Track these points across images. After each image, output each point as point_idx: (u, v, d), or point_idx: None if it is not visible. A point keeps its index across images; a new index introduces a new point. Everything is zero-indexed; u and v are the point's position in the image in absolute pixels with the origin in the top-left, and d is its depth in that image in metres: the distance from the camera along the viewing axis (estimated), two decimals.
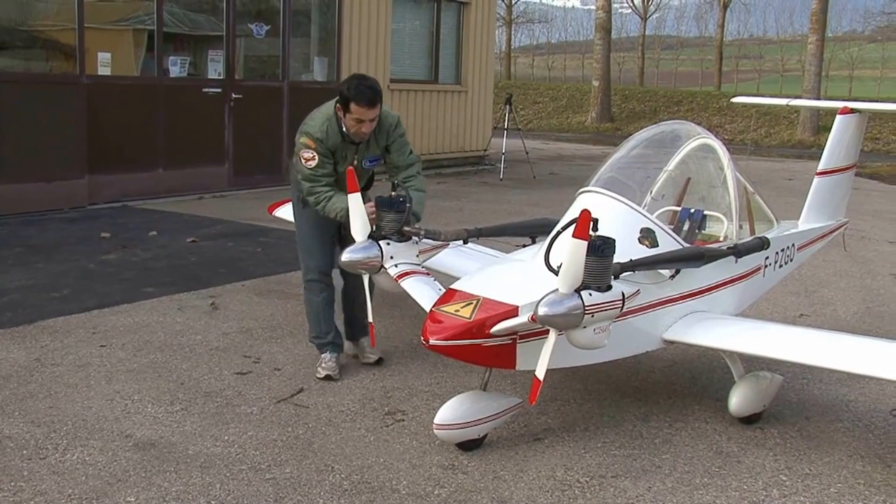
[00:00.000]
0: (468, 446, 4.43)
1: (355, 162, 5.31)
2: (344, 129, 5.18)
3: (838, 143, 6.51)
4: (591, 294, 3.96)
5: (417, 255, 5.03)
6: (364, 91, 5.06)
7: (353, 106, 5.06)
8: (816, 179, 6.50)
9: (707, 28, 63.66)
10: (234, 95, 12.32)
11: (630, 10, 56.94)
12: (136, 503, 3.80)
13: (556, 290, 3.92)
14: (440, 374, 5.47)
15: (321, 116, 5.27)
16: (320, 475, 4.12)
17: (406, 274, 4.91)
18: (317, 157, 5.20)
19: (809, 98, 23.12)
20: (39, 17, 11.11)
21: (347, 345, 5.76)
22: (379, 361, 5.64)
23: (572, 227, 3.86)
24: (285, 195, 7.65)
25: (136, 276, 7.61)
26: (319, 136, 5.20)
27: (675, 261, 4.71)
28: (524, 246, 5.07)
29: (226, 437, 4.48)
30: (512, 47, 54.53)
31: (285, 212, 7.22)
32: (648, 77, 50.76)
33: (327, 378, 5.34)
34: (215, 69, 12.40)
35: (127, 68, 11.66)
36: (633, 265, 4.40)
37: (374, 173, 5.69)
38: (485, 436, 4.48)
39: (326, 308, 5.55)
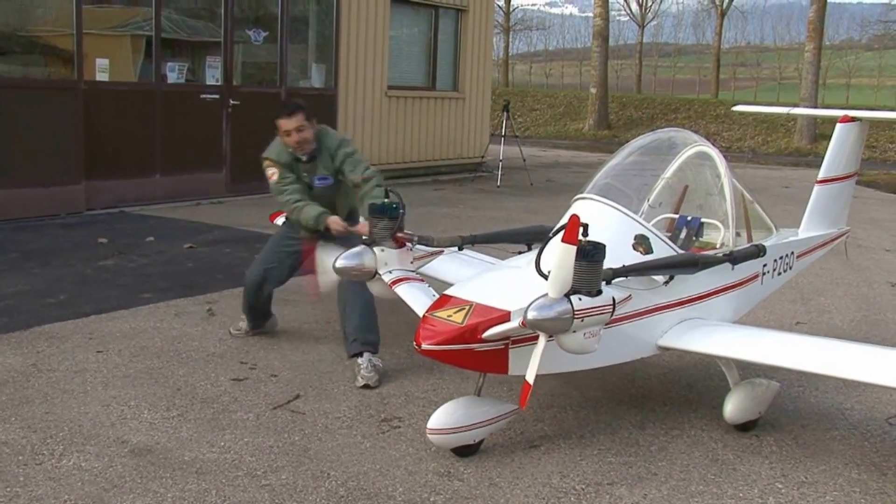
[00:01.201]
0: (464, 452, 4.43)
1: (304, 177, 5.92)
2: (290, 149, 5.85)
3: (839, 152, 6.49)
4: (580, 299, 3.97)
5: (412, 262, 5.05)
6: (282, 105, 5.92)
7: (278, 122, 5.78)
8: (816, 188, 6.49)
9: (704, 36, 63.84)
10: (231, 101, 12.34)
11: (628, 18, 57.16)
12: None
13: (546, 294, 3.94)
14: (436, 381, 5.47)
15: (275, 142, 5.98)
16: (316, 482, 4.12)
17: (400, 280, 4.93)
18: (277, 170, 5.90)
19: (807, 106, 23.19)
20: (38, 22, 11.11)
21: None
22: (365, 387, 5.35)
23: (562, 233, 3.88)
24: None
25: (133, 281, 7.61)
26: (273, 157, 5.92)
27: (669, 267, 4.73)
28: (520, 253, 5.09)
29: (222, 444, 4.48)
30: (510, 54, 54.65)
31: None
32: (646, 84, 50.92)
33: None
34: (213, 75, 12.41)
35: (125, 74, 11.67)
36: (626, 271, 4.41)
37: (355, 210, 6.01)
38: (481, 441, 4.48)
39: (246, 294, 6.18)
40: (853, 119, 6.46)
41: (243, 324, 6.30)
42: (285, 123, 5.73)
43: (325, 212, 5.78)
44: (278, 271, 6.08)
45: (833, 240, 6.61)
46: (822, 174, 6.49)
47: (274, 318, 6.39)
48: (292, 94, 13.17)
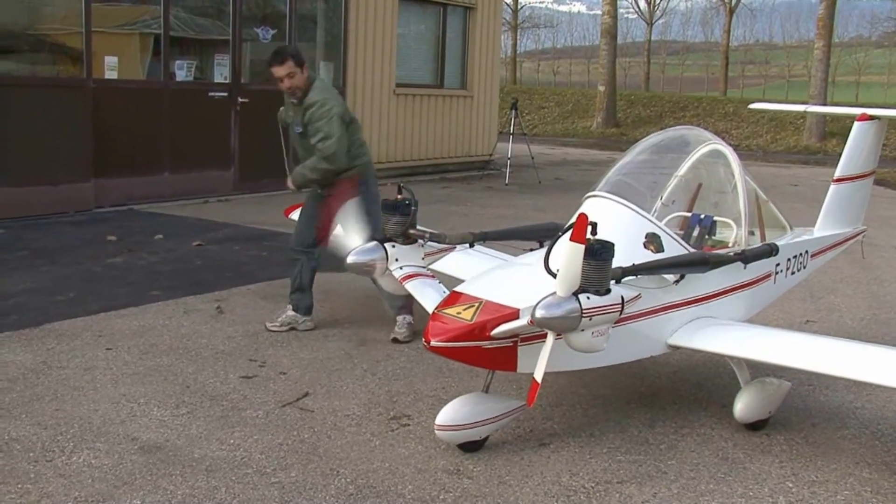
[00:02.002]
0: (470, 447, 4.43)
1: (290, 121, 6.29)
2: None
3: (855, 150, 6.42)
4: (588, 297, 3.96)
5: (423, 258, 5.07)
6: (274, 52, 6.18)
7: (270, 69, 6.11)
8: (833, 186, 6.42)
9: (713, 33, 63.75)
10: (240, 99, 12.34)
11: (636, 16, 57.10)
12: None
13: (554, 293, 3.93)
14: (445, 379, 5.47)
15: None
16: (326, 479, 4.12)
17: (410, 276, 4.94)
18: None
19: (816, 104, 23.09)
20: (46, 20, 11.13)
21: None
22: (394, 340, 6.14)
23: (571, 231, 3.87)
24: (291, 199, 7.69)
25: (142, 279, 7.62)
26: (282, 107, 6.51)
27: (679, 266, 4.71)
28: (531, 249, 5.08)
29: (231, 441, 4.48)
30: (517, 52, 54.66)
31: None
32: (654, 82, 50.85)
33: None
34: (221, 73, 12.42)
35: (133, 72, 11.68)
36: (636, 269, 4.40)
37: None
38: (486, 437, 4.48)
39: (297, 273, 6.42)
40: (871, 117, 6.41)
41: (284, 316, 6.34)
42: (277, 70, 6.05)
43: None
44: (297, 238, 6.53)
45: (849, 239, 6.55)
46: (838, 173, 6.43)
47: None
48: None
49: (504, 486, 4.13)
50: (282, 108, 6.51)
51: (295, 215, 7.29)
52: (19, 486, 3.92)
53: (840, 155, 6.62)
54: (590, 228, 3.89)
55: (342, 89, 13.94)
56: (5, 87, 9.97)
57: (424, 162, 16.05)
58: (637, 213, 4.78)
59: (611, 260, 4.06)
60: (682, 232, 5.28)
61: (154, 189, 11.49)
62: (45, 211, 10.21)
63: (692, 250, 4.89)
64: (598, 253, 3.99)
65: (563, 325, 3.94)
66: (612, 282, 4.17)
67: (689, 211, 5.54)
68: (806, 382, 5.64)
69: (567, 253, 3.86)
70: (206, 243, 9.20)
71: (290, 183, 6.41)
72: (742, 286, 5.19)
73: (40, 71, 10.89)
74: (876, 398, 5.46)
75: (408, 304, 6.14)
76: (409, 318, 6.22)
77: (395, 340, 6.12)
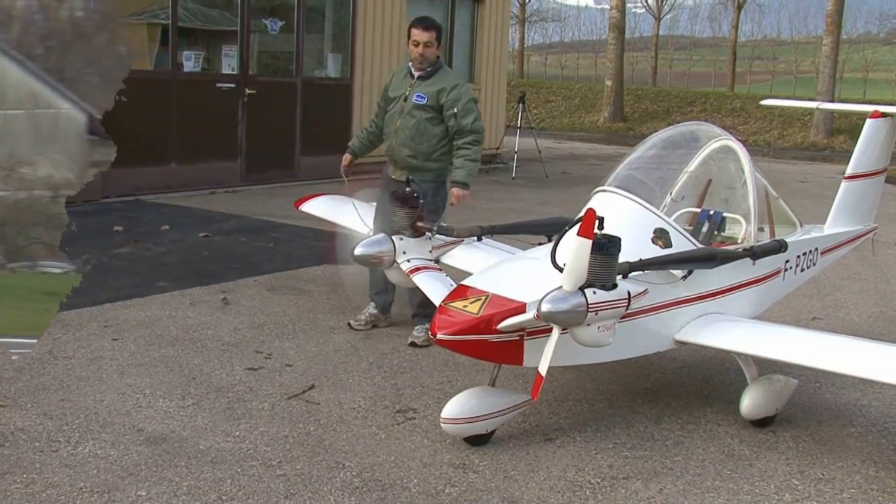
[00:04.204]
0: (476, 441, 4.43)
1: (408, 91, 6.08)
2: (410, 63, 6.15)
3: (867, 148, 6.40)
4: (595, 292, 3.96)
5: (431, 251, 5.07)
6: (421, 18, 6.27)
7: (412, 30, 6.08)
8: (844, 184, 6.40)
9: (721, 28, 63.62)
10: (247, 91, 12.32)
11: (644, 10, 57.01)
12: (146, 497, 3.81)
13: (560, 287, 3.93)
14: (451, 373, 5.46)
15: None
16: (331, 472, 4.12)
17: (418, 269, 4.94)
18: (377, 108, 6.46)
19: (824, 100, 23.00)
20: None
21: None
22: (412, 344, 5.92)
23: (578, 226, 3.87)
24: (298, 191, 7.68)
25: (149, 270, 7.62)
26: (388, 79, 6.42)
27: (687, 261, 4.70)
28: (540, 244, 5.07)
29: (237, 433, 4.48)
30: (525, 46, 54.51)
31: (312, 206, 7.16)
32: (661, 77, 50.71)
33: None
34: (229, 64, 12.40)
35: (141, 63, 11.66)
36: (643, 264, 4.39)
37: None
38: (493, 431, 4.48)
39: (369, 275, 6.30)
40: (884, 115, 6.38)
41: (366, 313, 6.28)
42: (418, 34, 6.05)
43: (350, 149, 6.48)
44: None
45: (859, 237, 6.52)
46: (849, 170, 6.41)
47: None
48: (308, 84, 13.19)
49: (509, 481, 4.13)
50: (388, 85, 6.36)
51: (306, 207, 7.26)
52: (25, 476, 3.92)
53: (849, 152, 6.60)
54: (597, 223, 3.88)
55: (350, 81, 13.94)
56: None
57: None
58: (645, 208, 4.77)
59: (617, 255, 4.06)
60: (691, 228, 5.26)
61: (161, 180, 11.47)
62: None
63: (701, 246, 4.88)
64: (605, 248, 3.99)
65: (569, 320, 3.94)
66: (619, 277, 4.16)
67: (698, 207, 5.52)
68: (813, 380, 5.62)
69: (574, 247, 3.86)
70: (212, 234, 9.19)
71: (459, 192, 6.11)
72: (751, 282, 5.17)
73: None
74: (883, 396, 5.45)
75: (426, 312, 5.97)
76: (427, 324, 6.11)
77: (413, 345, 5.94)
